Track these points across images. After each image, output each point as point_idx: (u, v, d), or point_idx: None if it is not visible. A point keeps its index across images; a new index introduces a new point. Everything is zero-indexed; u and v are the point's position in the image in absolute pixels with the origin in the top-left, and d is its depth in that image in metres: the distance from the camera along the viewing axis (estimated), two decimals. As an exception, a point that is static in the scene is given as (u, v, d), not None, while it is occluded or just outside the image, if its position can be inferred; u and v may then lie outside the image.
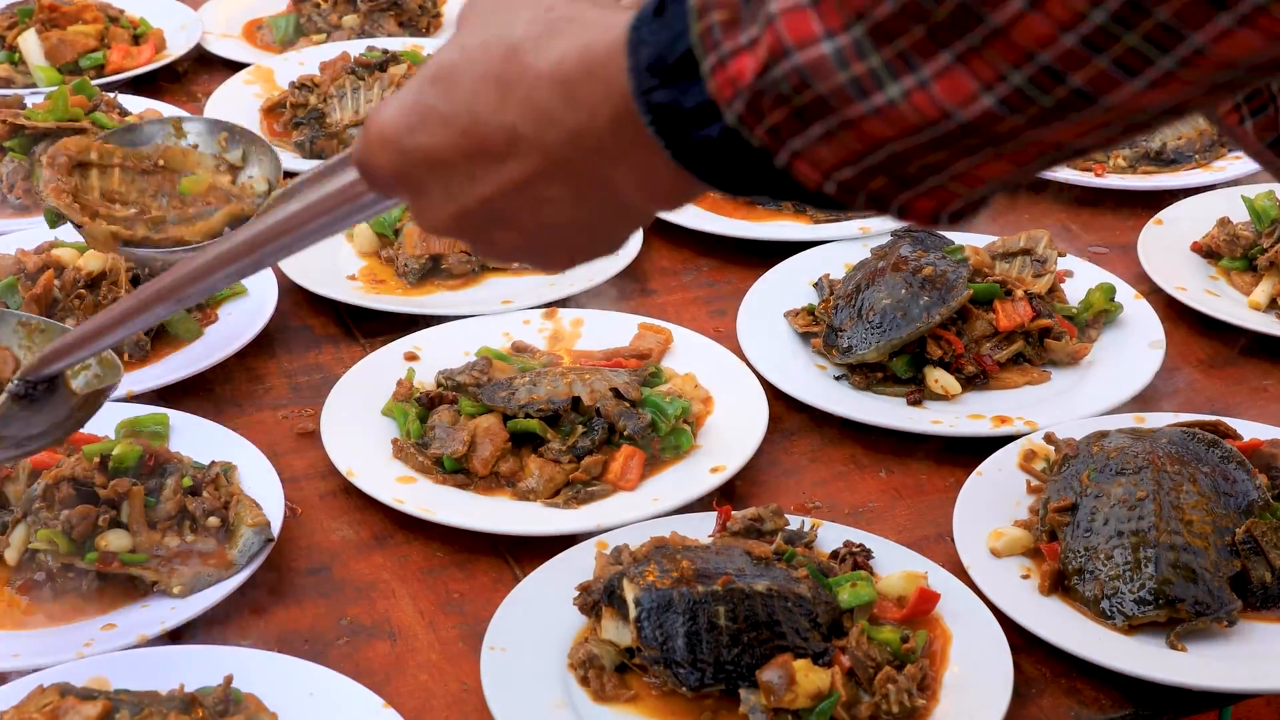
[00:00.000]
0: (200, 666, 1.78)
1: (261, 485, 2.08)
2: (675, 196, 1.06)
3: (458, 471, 2.14)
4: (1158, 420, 2.18)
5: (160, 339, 2.44)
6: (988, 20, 0.85)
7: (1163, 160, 2.96)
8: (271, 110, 3.26)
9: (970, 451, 2.18)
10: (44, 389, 1.68)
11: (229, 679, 1.72)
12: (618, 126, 1.01)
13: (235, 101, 3.32)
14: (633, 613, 1.76)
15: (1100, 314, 2.46)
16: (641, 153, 1.00)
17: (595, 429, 2.14)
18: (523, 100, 1.04)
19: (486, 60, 1.06)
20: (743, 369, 2.35)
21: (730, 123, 0.96)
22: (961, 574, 1.92)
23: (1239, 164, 2.95)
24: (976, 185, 0.95)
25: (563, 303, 2.55)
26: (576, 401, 2.16)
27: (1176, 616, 1.84)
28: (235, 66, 3.55)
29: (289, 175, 2.32)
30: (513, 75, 1.04)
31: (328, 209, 1.23)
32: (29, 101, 3.10)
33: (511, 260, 1.16)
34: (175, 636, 1.87)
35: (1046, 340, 2.38)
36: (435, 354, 2.39)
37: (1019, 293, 2.39)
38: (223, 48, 3.66)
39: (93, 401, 1.75)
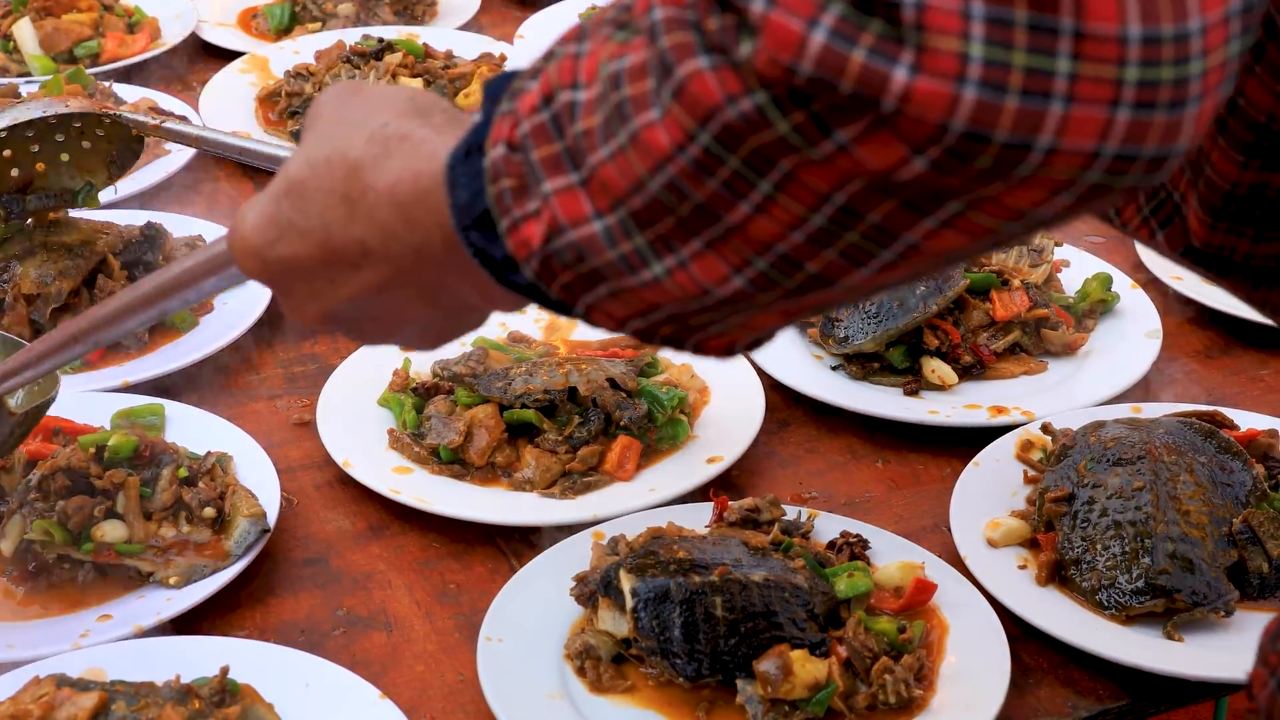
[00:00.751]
0: (196, 657, 1.78)
1: (257, 476, 2.08)
2: (516, 303, 1.10)
3: (454, 462, 2.13)
4: (1155, 410, 2.17)
5: (156, 329, 2.44)
6: (723, 219, 0.90)
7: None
8: (267, 99, 3.25)
9: (967, 442, 2.18)
10: None
11: (225, 670, 1.71)
12: (450, 248, 1.05)
13: (230, 91, 3.32)
14: (629, 603, 1.76)
15: (1097, 304, 2.45)
16: (476, 271, 1.04)
17: (592, 419, 2.14)
18: (367, 217, 1.09)
19: (331, 177, 1.11)
20: (739, 359, 2.34)
21: (529, 278, 1.00)
22: (958, 564, 1.92)
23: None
24: (760, 331, 1.01)
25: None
26: (573, 392, 2.16)
27: (1173, 607, 1.84)
28: (230, 55, 3.54)
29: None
30: (356, 193, 1.09)
31: (196, 274, 1.30)
32: (24, 90, 3.09)
33: (382, 344, 1.25)
34: (171, 627, 1.87)
35: (1043, 330, 2.38)
36: (431, 344, 2.39)
37: (1016, 282, 2.38)
38: (218, 36, 3.65)
39: (31, 416, 1.78)
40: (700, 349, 1.02)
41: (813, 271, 0.90)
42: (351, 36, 3.41)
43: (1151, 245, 1.22)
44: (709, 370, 2.31)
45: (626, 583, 1.77)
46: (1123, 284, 2.51)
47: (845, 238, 0.88)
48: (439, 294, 1.12)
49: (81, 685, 1.65)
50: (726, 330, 1.00)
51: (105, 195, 2.86)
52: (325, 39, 3.49)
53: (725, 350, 1.03)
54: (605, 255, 0.95)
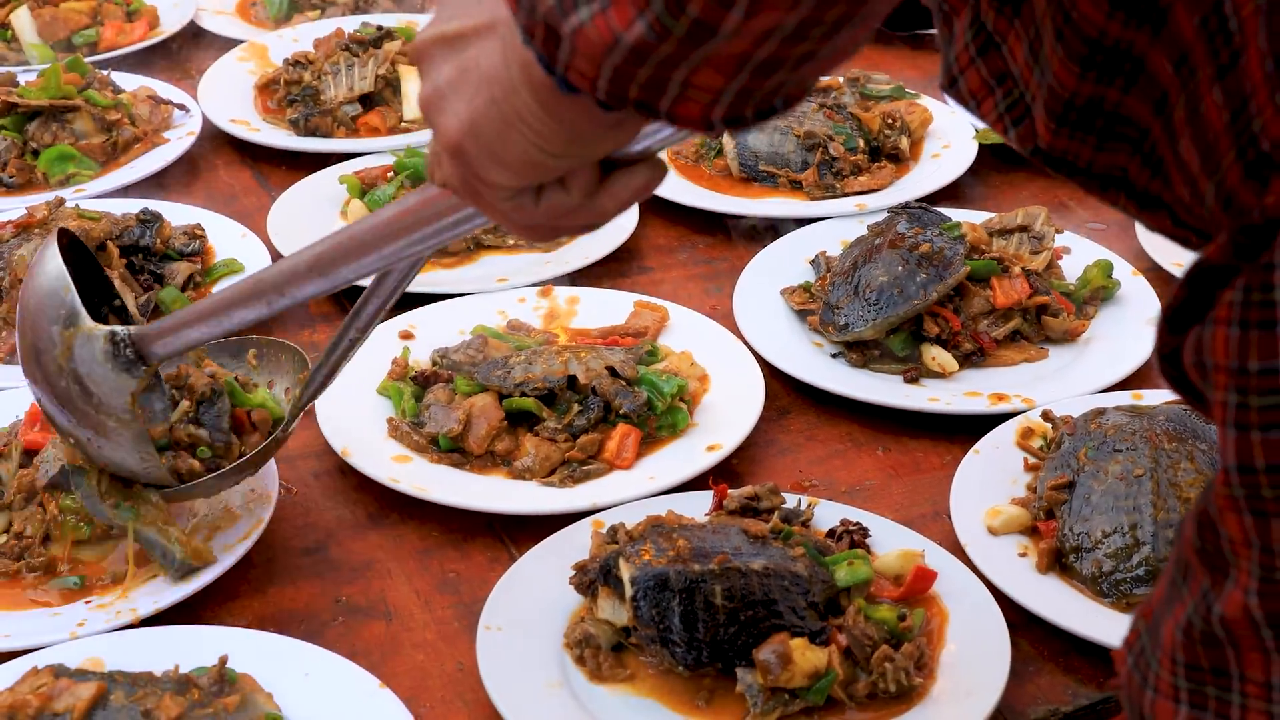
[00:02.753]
0: (195, 647, 1.78)
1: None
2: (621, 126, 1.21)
3: (453, 451, 2.13)
4: (1156, 397, 2.17)
5: (154, 318, 2.43)
6: None
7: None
8: (265, 87, 3.24)
9: (967, 429, 2.18)
10: (129, 354, 1.79)
11: (224, 659, 1.71)
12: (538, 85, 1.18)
13: (229, 79, 3.31)
14: (629, 592, 1.75)
15: (1098, 291, 2.45)
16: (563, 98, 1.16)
17: (591, 407, 2.13)
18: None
19: None
20: (739, 347, 2.34)
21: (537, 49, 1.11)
22: (959, 552, 1.92)
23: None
24: (710, 94, 1.07)
25: (558, 281, 2.54)
26: (572, 380, 2.15)
27: (1174, 594, 1.83)
28: (229, 43, 3.54)
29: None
30: None
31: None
32: (22, 79, 3.09)
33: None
34: (169, 617, 1.86)
35: (1044, 317, 2.37)
36: (430, 332, 2.39)
37: (1016, 269, 2.38)
38: (216, 24, 3.65)
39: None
40: (674, 118, 1.10)
41: (694, 15, 0.98)
42: (350, 24, 3.40)
43: (1006, 141, 1.25)
44: (709, 358, 2.31)
45: (626, 571, 1.76)
46: (1123, 271, 2.50)
47: None
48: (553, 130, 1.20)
49: (79, 675, 1.65)
50: (683, 92, 1.07)
51: (101, 184, 2.87)
52: (324, 26, 3.49)
53: (700, 119, 1.10)
54: (546, 2, 1.05)
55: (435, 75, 1.25)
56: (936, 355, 2.29)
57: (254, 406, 2.03)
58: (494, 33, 1.19)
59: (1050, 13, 1.11)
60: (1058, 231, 2.52)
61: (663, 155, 1.32)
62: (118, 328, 1.78)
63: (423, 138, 3.00)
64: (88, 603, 1.88)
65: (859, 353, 2.33)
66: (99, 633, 1.82)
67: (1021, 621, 1.84)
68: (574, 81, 1.09)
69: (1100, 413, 2.06)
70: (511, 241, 2.66)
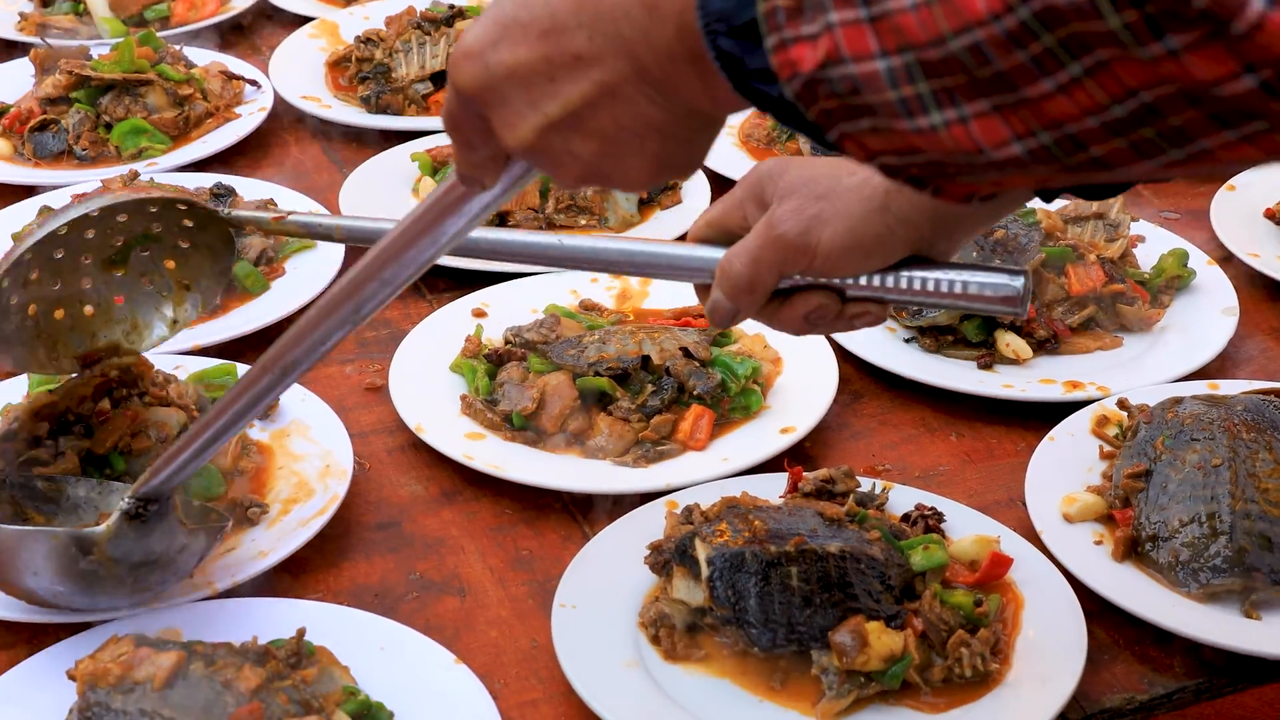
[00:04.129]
0: (271, 619, 1.79)
1: (330, 440, 2.08)
2: (743, 107, 1.11)
3: (526, 429, 2.13)
4: (1231, 387, 2.16)
5: (228, 292, 2.44)
6: (1020, 90, 0.93)
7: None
8: (336, 65, 3.25)
9: (1041, 416, 2.17)
10: (154, 510, 1.77)
11: (302, 631, 1.72)
12: (685, 43, 1.06)
13: (300, 55, 3.32)
14: (705, 572, 1.75)
15: (1173, 280, 2.43)
16: (708, 69, 1.06)
17: (665, 388, 2.13)
18: (596, 5, 1.11)
19: None
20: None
21: (787, 96, 1.02)
22: (1034, 539, 1.91)
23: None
24: (1007, 189, 1.08)
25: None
26: (646, 360, 2.15)
27: (1252, 585, 1.82)
28: (300, 20, 3.55)
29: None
30: None
31: (425, 218, 1.37)
32: (94, 53, 3.10)
33: (592, 180, 1.21)
34: (244, 590, 1.87)
35: (1119, 305, 2.36)
36: (503, 311, 2.39)
37: (1091, 257, 2.36)
38: (287, 1, 3.65)
39: (200, 543, 1.82)
40: (940, 192, 1.05)
41: (1096, 155, 0.94)
42: (422, 2, 3.41)
43: None
44: (782, 341, 2.30)
45: (702, 551, 1.76)
46: (1199, 260, 2.48)
47: (1140, 132, 0.91)
48: (664, 92, 1.12)
49: (160, 644, 1.65)
50: (976, 182, 1.03)
51: (172, 159, 2.88)
52: (395, 4, 3.49)
53: (964, 197, 1.06)
54: (883, 95, 0.97)
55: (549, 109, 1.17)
56: (1011, 342, 2.28)
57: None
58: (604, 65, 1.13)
59: None
60: (1133, 220, 2.51)
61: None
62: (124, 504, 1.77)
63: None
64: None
65: (932, 338, 2.32)
66: (179, 603, 1.82)
67: (1097, 610, 1.83)
68: (845, 148, 1.03)
69: (1177, 401, 2.05)
70: (584, 221, 2.66)
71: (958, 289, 1.41)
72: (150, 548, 1.76)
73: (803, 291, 1.44)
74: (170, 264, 1.90)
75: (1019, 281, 1.38)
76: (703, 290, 1.52)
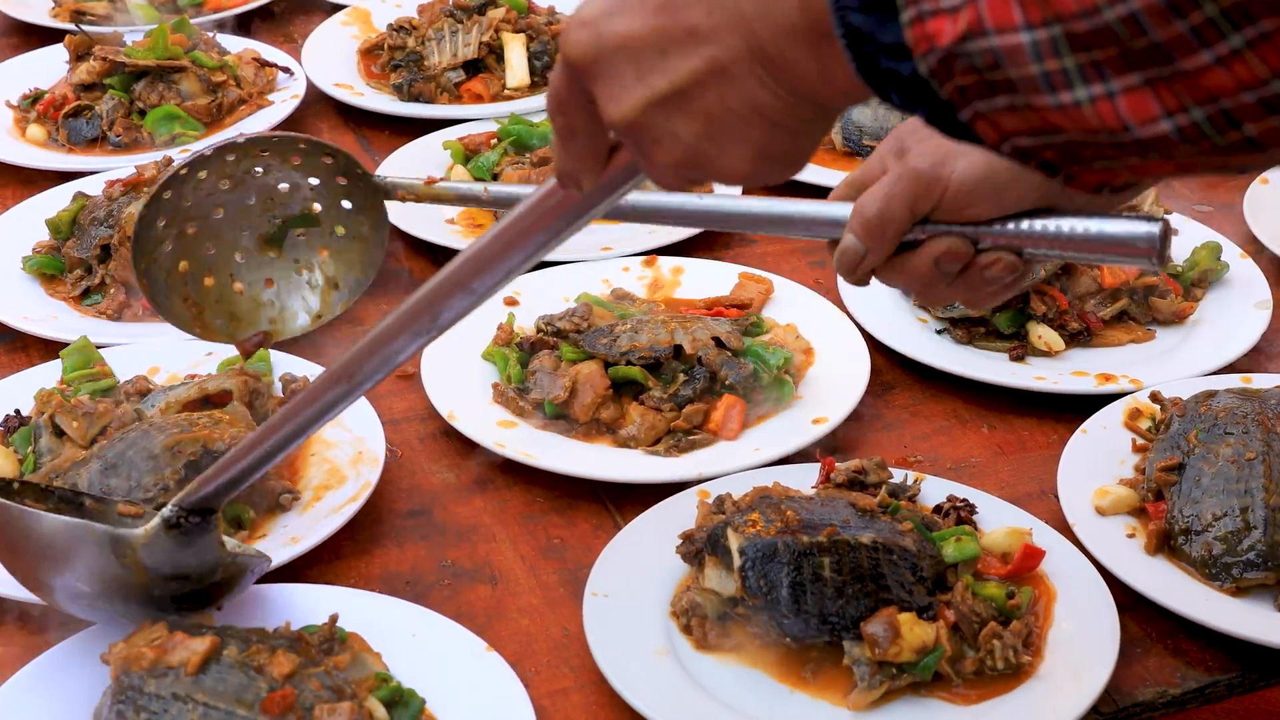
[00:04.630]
0: (304, 605, 1.79)
1: (362, 427, 2.09)
2: (855, 98, 1.09)
3: (558, 417, 2.13)
4: (1265, 381, 2.15)
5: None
6: (1177, 63, 0.90)
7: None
8: (369, 52, 3.26)
9: (1073, 409, 2.16)
10: (196, 523, 1.71)
11: (334, 618, 1.72)
12: (809, 19, 1.04)
13: (332, 43, 3.32)
14: (737, 562, 1.75)
15: (1206, 273, 2.43)
16: (828, 50, 1.04)
17: (697, 377, 2.13)
18: None
19: None
20: (844, 321, 2.33)
21: (921, 72, 0.99)
22: (1066, 532, 1.90)
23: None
24: (1145, 175, 1.01)
25: (663, 250, 2.54)
26: (678, 349, 2.15)
27: (1285, 579, 1.82)
28: (333, 8, 3.55)
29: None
30: None
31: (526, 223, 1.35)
32: (128, 40, 3.11)
33: (690, 166, 1.17)
34: (275, 576, 1.87)
35: (1151, 298, 2.35)
36: (535, 299, 2.39)
37: (1125, 249, 2.35)
38: (320, -11, 3.66)
39: (235, 574, 1.77)
40: (1072, 179, 1.03)
41: (1250, 134, 0.91)
42: (454, -9, 3.41)
43: None
44: (813, 332, 2.30)
45: (734, 541, 1.76)
46: (1232, 253, 2.47)
47: None
48: (779, 72, 1.09)
49: (193, 629, 1.66)
50: (1112, 169, 1.00)
51: (205, 145, 2.88)
52: (427, -7, 3.49)
53: (1096, 187, 1.03)
54: (1025, 69, 0.95)
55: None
56: (1043, 334, 2.28)
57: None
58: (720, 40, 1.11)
59: None
60: (1166, 212, 2.50)
61: None
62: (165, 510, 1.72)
63: (525, 105, 3.01)
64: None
65: (964, 329, 2.32)
66: (211, 588, 1.83)
67: (1129, 603, 1.83)
68: (977, 129, 1.01)
69: (1210, 395, 2.04)
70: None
71: (1093, 233, 1.36)
72: (185, 562, 1.71)
73: (935, 238, 1.40)
74: (324, 253, 1.82)
75: (1155, 227, 1.32)
76: (834, 246, 1.45)
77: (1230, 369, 2.24)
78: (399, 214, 2.60)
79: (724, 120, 1.13)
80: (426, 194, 1.78)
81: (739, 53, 1.09)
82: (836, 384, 2.19)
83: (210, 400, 2.08)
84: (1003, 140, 1.00)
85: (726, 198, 1.53)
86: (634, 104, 1.15)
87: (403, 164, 2.82)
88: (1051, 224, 1.38)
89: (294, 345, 2.28)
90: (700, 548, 1.81)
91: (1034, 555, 1.84)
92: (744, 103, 1.12)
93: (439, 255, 2.59)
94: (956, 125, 1.02)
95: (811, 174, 2.76)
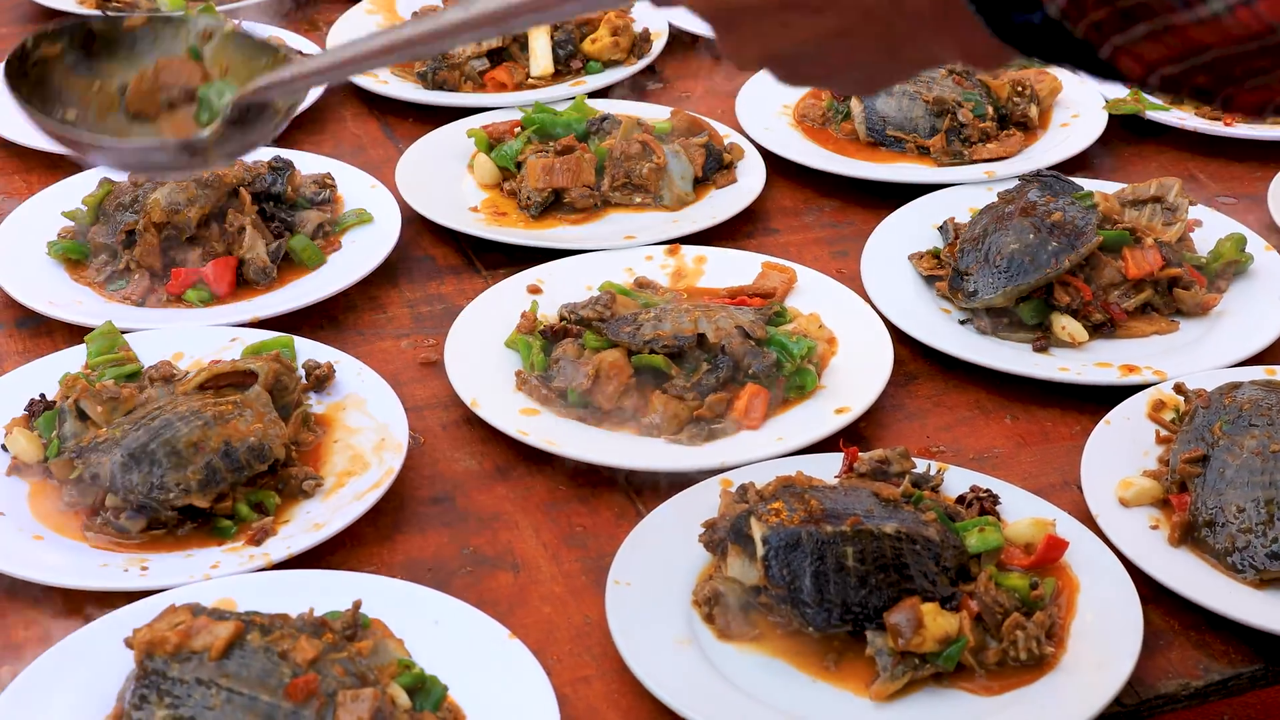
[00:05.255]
0: (327, 591, 1.79)
1: (385, 414, 2.09)
2: (994, 60, 1.09)
3: (581, 405, 2.13)
4: (1290, 373, 2.15)
5: (284, 265, 2.46)
6: None
7: (1294, 110, 2.90)
8: (393, 40, 3.25)
9: (1096, 400, 2.16)
10: (255, 112, 1.65)
11: (358, 604, 1.73)
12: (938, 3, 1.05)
13: (357, 30, 3.32)
14: (760, 551, 1.75)
15: (1230, 265, 2.42)
16: (959, 18, 1.03)
17: (720, 366, 2.13)
18: None
19: None
20: (867, 311, 2.33)
21: (1053, 14, 0.99)
22: (1089, 523, 1.90)
23: (1373, 116, 2.89)
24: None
25: (686, 240, 2.54)
26: (701, 338, 2.15)
27: (1309, 572, 1.82)
28: (357, -5, 3.55)
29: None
30: None
31: None
32: (154, 26, 3.10)
33: (811, 85, 1.25)
34: (298, 562, 1.88)
35: (1176, 290, 2.35)
36: (558, 288, 2.39)
37: (1149, 241, 2.35)
38: (345, -24, 3.65)
39: (286, 115, 1.69)
40: (1230, 104, 1.01)
41: None
42: (478, -21, 3.40)
43: None
44: (836, 321, 2.30)
45: (757, 530, 1.76)
46: (1256, 245, 2.47)
47: None
48: (903, 46, 1.11)
49: (217, 614, 1.66)
50: (1268, 85, 0.98)
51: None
52: (451, -19, 3.48)
53: (1257, 108, 1.01)
54: None
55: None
56: (1067, 325, 2.27)
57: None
58: None
59: None
60: (1191, 204, 2.49)
61: None
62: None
63: (549, 93, 3.01)
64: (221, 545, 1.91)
65: (988, 320, 2.31)
66: (234, 574, 1.83)
67: (1152, 594, 1.83)
68: (1120, 64, 1.00)
69: (1235, 387, 2.04)
70: (638, 200, 2.65)
71: None
72: (251, 141, 1.66)
73: None
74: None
75: None
76: None
77: (1255, 361, 2.23)
78: (423, 203, 2.61)
79: (846, 69, 1.17)
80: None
81: (861, 29, 1.11)
82: (859, 374, 2.19)
83: (233, 382, 2.08)
84: (1149, 72, 0.99)
85: None
86: (754, 56, 1.18)
87: (428, 151, 2.82)
88: None
89: (318, 331, 2.30)
90: (723, 536, 1.81)
91: (1057, 546, 1.84)
92: (867, 60, 1.15)
93: (462, 243, 2.59)
94: (1100, 65, 1.01)
95: (838, 165, 2.76)
